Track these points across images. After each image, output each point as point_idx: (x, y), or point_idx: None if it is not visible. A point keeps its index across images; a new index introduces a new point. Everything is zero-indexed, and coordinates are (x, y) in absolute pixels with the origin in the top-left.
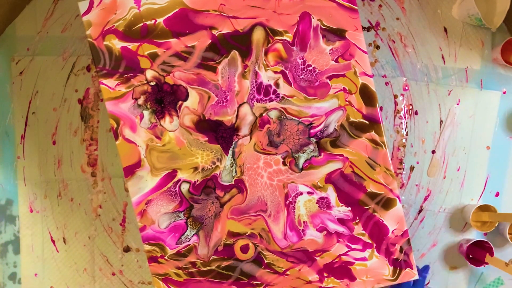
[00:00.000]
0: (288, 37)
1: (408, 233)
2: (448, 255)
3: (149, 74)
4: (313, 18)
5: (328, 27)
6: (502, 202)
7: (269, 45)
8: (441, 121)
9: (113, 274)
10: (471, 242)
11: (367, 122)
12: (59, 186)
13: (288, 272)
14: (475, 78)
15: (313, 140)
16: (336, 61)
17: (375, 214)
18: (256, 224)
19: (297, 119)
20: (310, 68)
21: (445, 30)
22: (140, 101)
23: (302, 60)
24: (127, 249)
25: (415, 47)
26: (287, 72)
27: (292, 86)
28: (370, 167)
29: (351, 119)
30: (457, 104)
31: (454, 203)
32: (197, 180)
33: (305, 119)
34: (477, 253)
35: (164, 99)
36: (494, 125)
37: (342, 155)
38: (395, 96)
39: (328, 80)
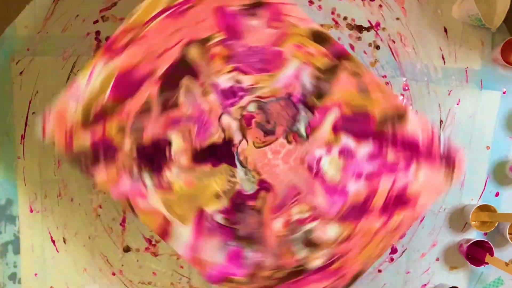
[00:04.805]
0: (219, 36)
1: (437, 131)
2: (448, 255)
3: (127, 145)
4: (228, 7)
5: (247, 5)
6: (502, 202)
7: (208, 53)
8: (441, 121)
9: (113, 274)
10: (471, 242)
11: (336, 60)
12: (59, 186)
13: (354, 233)
14: (475, 78)
15: (301, 106)
16: (272, 27)
17: (397, 131)
18: (300, 209)
19: (274, 98)
20: (256, 49)
21: (445, 30)
22: (135, 171)
23: (244, 48)
24: (127, 249)
25: (415, 47)
26: (239, 65)
27: (251, 73)
28: (363, 94)
29: (320, 66)
30: (457, 104)
31: (454, 203)
32: (226, 205)
33: (282, 93)
34: (477, 253)
35: (152, 157)
36: (494, 125)
37: (333, 102)
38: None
39: (277, 48)
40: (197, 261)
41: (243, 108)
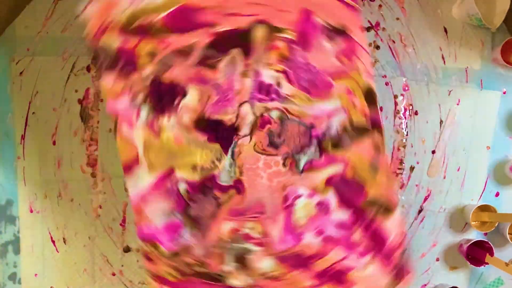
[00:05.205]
0: (291, 35)
1: (408, 240)
2: (448, 255)
3: (148, 71)
4: (316, 16)
5: (331, 26)
6: (502, 202)
7: (271, 43)
8: (441, 121)
9: (113, 274)
10: (471, 242)
11: (370, 125)
12: (59, 186)
13: (284, 277)
14: (475, 78)
15: (315, 141)
16: (340, 60)
17: (375, 219)
18: (254, 226)
19: (298, 120)
20: (313, 68)
21: (445, 30)
22: (139, 99)
23: (304, 60)
24: (127, 249)
25: (415, 47)
26: (289, 71)
27: (295, 85)
28: (372, 171)
29: (354, 121)
30: (457, 104)
31: (454, 203)
32: (196, 180)
33: (307, 120)
34: (477, 253)
35: (162, 96)
36: (494, 125)
37: (343, 158)
38: (395, 96)
39: (332, 80)
40: (139, 211)
41: (267, 109)
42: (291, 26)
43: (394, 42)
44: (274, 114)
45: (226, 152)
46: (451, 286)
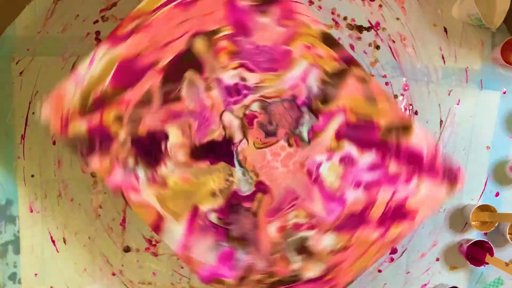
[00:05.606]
0: (228, 30)
1: (440, 147)
2: (448, 255)
3: (122, 135)
4: (239, 1)
5: (255, 1)
6: (502, 202)
7: (215, 47)
8: (441, 121)
9: (113, 274)
10: (471, 242)
11: (344, 65)
12: (59, 186)
13: (350, 243)
14: (475, 78)
15: (305, 108)
16: (284, 25)
17: (400, 143)
18: (297, 214)
19: (279, 99)
20: (264, 47)
21: (445, 30)
22: (130, 163)
23: (252, 45)
24: (127, 249)
25: (415, 47)
26: (245, 62)
27: (257, 71)
28: (371, 103)
29: (328, 70)
30: (457, 104)
31: (454, 203)
32: (221, 204)
33: (287, 95)
34: (477, 253)
35: (148, 150)
36: (494, 125)
37: (339, 107)
38: (395, 96)
39: (287, 47)
40: (189, 259)
41: (246, 107)
42: (223, 22)
43: (394, 42)
44: (255, 106)
45: (233, 164)
46: (451, 286)
